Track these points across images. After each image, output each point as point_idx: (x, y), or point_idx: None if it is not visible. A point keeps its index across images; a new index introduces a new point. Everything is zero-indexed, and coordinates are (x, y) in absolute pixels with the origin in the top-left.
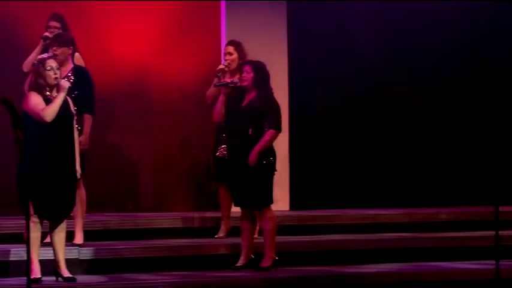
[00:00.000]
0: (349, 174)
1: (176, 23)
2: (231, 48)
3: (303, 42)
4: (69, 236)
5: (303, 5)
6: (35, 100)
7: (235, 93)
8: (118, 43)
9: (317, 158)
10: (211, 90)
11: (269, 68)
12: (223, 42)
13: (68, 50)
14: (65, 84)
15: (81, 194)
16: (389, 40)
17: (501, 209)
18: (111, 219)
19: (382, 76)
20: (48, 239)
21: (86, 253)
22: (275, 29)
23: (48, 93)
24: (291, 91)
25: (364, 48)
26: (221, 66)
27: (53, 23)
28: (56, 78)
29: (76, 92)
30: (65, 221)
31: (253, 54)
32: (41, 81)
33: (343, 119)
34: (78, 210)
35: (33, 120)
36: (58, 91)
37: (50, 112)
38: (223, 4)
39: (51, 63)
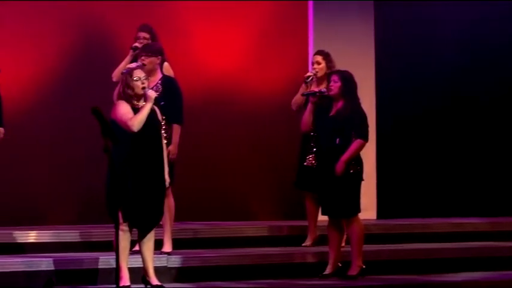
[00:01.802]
0: (435, 183)
1: (263, 30)
2: (319, 58)
3: (390, 46)
4: (158, 244)
5: (389, 4)
6: (124, 109)
7: (323, 103)
8: (205, 51)
9: (404, 166)
10: (297, 98)
11: (356, 74)
12: (311, 47)
13: (156, 60)
14: (152, 94)
15: (170, 202)
16: (481, 41)
17: None
18: (199, 228)
19: (473, 81)
20: (137, 247)
21: (175, 261)
22: (363, 38)
23: (136, 102)
24: (378, 99)
25: (454, 50)
26: (309, 74)
27: (142, 34)
28: (143, 88)
29: (162, 103)
30: (154, 229)
31: (340, 60)
32: (129, 91)
33: (430, 127)
34: (167, 218)
35: (121, 129)
36: (145, 101)
37: (137, 122)
38: (310, 6)
39: (139, 73)
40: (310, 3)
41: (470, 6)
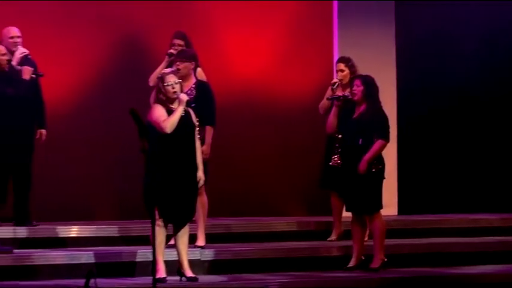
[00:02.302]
0: (452, 180)
1: (288, 34)
2: (342, 65)
3: (410, 47)
4: (192, 239)
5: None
6: (158, 112)
7: (347, 106)
8: (235, 57)
9: (424, 165)
10: (324, 103)
11: (377, 77)
12: (335, 50)
13: (190, 65)
14: (184, 97)
15: (203, 199)
16: (503, 40)
17: None
18: (231, 223)
19: (491, 82)
20: (172, 241)
21: (208, 254)
22: (384, 40)
23: (170, 105)
24: (399, 101)
25: (473, 51)
26: (335, 80)
27: (177, 41)
28: (174, 92)
29: (193, 105)
30: (188, 224)
31: (362, 63)
32: (161, 95)
33: (448, 126)
34: (200, 214)
35: (157, 131)
36: (178, 104)
37: (170, 124)
38: (335, 9)
39: (171, 78)
40: (335, 5)
41: (492, 6)
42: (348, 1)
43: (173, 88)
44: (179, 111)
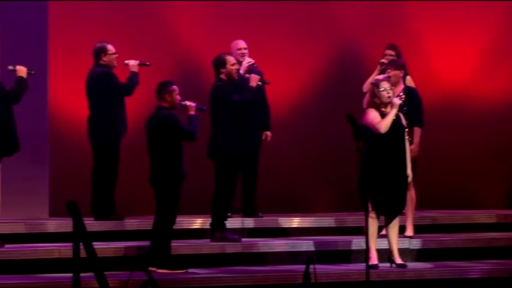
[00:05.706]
0: None
1: (492, 44)
2: None
3: None
4: (401, 229)
5: None
6: (372, 115)
7: None
8: (439, 65)
9: None
10: None
11: None
12: None
13: (399, 73)
14: (397, 101)
15: (412, 194)
16: None
17: None
18: (436, 215)
19: None
20: (383, 232)
21: (416, 244)
22: None
23: (383, 109)
24: None
25: None
26: None
27: (389, 51)
28: (389, 97)
29: (405, 108)
30: (398, 216)
31: None
32: (376, 99)
33: None
34: (409, 207)
35: (371, 132)
36: (391, 107)
37: (384, 125)
38: None
39: (385, 84)
40: None
41: None
42: None
43: (388, 93)
44: (393, 113)
